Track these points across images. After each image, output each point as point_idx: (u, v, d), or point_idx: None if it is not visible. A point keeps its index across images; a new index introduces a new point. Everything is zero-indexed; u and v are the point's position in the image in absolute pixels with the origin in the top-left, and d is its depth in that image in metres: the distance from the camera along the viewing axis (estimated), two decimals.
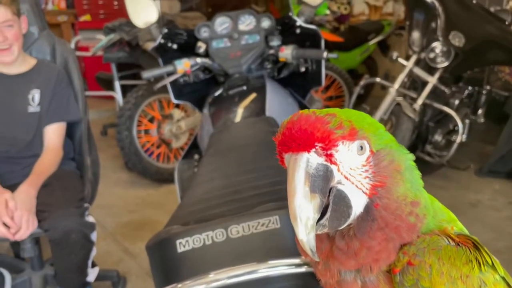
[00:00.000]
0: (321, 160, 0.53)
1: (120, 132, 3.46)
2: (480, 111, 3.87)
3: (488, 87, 3.87)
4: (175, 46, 2.18)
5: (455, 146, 3.27)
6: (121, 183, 3.69)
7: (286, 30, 2.18)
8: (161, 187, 3.58)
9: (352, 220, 0.56)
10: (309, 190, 0.52)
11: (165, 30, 2.10)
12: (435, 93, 3.35)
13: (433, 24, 3.21)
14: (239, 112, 1.82)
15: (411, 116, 3.08)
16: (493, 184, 3.50)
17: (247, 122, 1.73)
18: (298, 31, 2.10)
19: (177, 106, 3.65)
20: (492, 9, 3.73)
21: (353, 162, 0.55)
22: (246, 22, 2.16)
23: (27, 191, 1.78)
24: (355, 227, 0.56)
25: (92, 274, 1.96)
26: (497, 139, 3.60)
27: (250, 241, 0.94)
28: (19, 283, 2.19)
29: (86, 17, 5.94)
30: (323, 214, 0.54)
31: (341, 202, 0.54)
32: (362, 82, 3.68)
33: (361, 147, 0.55)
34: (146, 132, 3.66)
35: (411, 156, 0.60)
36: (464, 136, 3.39)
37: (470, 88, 3.74)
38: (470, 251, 0.57)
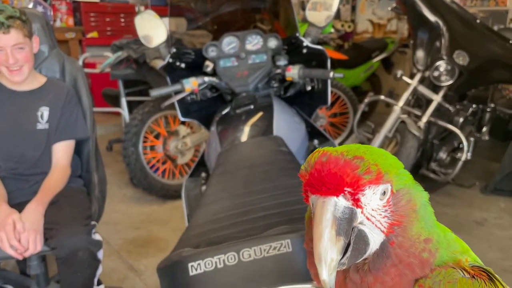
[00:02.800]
0: (348, 204, 0.55)
1: (126, 148, 3.48)
2: (484, 129, 3.88)
3: (492, 105, 3.89)
4: (183, 65, 2.21)
5: (460, 163, 3.27)
6: (126, 200, 3.70)
7: (292, 50, 2.21)
8: (166, 204, 3.58)
9: (368, 256, 0.57)
10: (335, 234, 0.53)
11: (174, 50, 2.13)
12: (439, 111, 3.36)
13: (437, 43, 3.24)
14: (247, 131, 1.83)
15: (416, 134, 3.10)
16: (499, 202, 3.49)
17: (255, 141, 1.74)
18: (304, 51, 2.13)
19: (183, 122, 3.67)
20: (495, 28, 3.76)
21: (376, 204, 0.56)
22: (253, 42, 2.19)
23: (35, 210, 1.79)
24: (370, 263, 0.57)
25: None
26: (502, 157, 3.60)
27: (262, 264, 0.94)
28: None
29: (93, 34, 6.01)
30: (345, 253, 0.56)
31: (361, 241, 0.56)
32: (366, 100, 3.70)
33: (384, 191, 0.56)
34: (152, 148, 3.68)
35: (426, 194, 0.61)
36: (469, 154, 3.39)
37: (474, 106, 3.75)
38: (485, 283, 0.57)
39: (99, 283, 2.03)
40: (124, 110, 4.25)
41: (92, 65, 5.11)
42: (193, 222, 1.25)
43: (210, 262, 0.94)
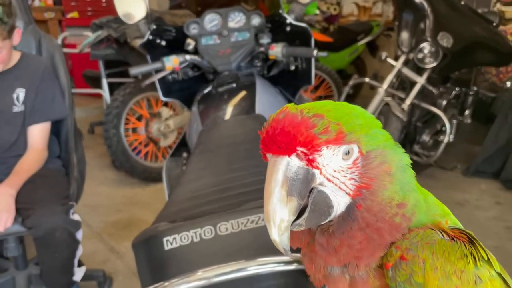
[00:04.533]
0: (302, 164, 0.52)
1: (107, 130, 3.42)
2: (467, 112, 3.91)
3: (475, 88, 3.91)
4: (163, 43, 2.15)
5: (442, 146, 3.30)
6: (108, 182, 3.65)
7: (276, 28, 2.16)
8: (148, 186, 3.55)
9: (333, 218, 0.55)
10: (286, 194, 0.51)
11: (154, 26, 2.07)
12: (423, 94, 3.37)
13: (422, 25, 3.23)
14: (229, 110, 1.80)
15: (399, 116, 3.10)
16: (480, 184, 3.53)
17: (237, 119, 1.71)
18: (288, 29, 2.09)
19: (166, 104, 3.62)
20: (480, 11, 3.76)
21: (338, 165, 0.54)
22: (236, 19, 2.14)
23: (4, 192, 1.75)
24: (334, 225, 0.55)
25: (78, 274, 1.93)
26: (484, 140, 3.63)
27: (239, 238, 0.92)
28: (3, 282, 2.14)
29: (73, 14, 5.86)
30: (301, 213, 0.53)
31: (322, 202, 0.54)
32: (351, 82, 3.70)
33: (348, 152, 0.53)
34: (134, 130, 3.62)
35: (405, 156, 0.58)
36: (452, 136, 3.42)
37: (457, 89, 3.77)
38: (465, 246, 0.56)
39: (80, 264, 2.00)
40: (105, 91, 4.17)
41: (72, 46, 4.99)
42: (172, 199, 1.22)
43: (186, 236, 0.92)
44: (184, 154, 2.01)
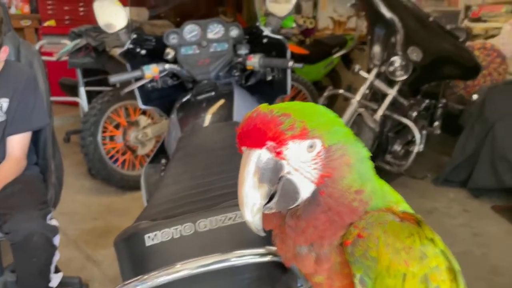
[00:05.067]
0: (272, 155, 0.60)
1: (84, 138, 3.42)
2: (436, 123, 4.06)
3: (444, 101, 4.07)
4: (143, 52, 2.20)
5: (412, 155, 3.42)
6: (85, 190, 3.63)
7: (253, 40, 2.24)
8: (125, 195, 3.55)
9: (300, 203, 0.63)
10: (257, 181, 0.59)
11: (134, 36, 2.12)
12: (394, 105, 3.50)
13: (393, 39, 3.37)
14: (207, 117, 1.86)
15: (371, 127, 3.21)
16: (449, 193, 3.67)
17: (215, 126, 1.77)
18: (265, 40, 2.17)
19: (144, 113, 3.64)
20: (448, 27, 3.95)
21: (303, 157, 0.62)
22: (215, 30, 2.21)
23: None
24: (301, 209, 0.63)
25: (55, 280, 1.93)
26: (452, 150, 3.78)
27: (217, 234, 0.98)
28: None
29: (50, 22, 5.83)
30: (272, 198, 0.62)
31: (289, 189, 0.62)
32: (326, 93, 3.80)
33: (312, 145, 0.62)
34: (111, 138, 3.62)
35: (364, 150, 0.67)
36: (421, 147, 3.55)
37: (427, 101, 3.92)
38: (413, 226, 0.64)
39: (57, 270, 2.00)
40: (82, 99, 4.16)
41: (49, 54, 4.96)
42: (151, 202, 1.26)
43: (167, 233, 0.97)
44: (163, 161, 2.05)
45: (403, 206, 0.70)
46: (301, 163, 0.62)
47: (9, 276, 2.08)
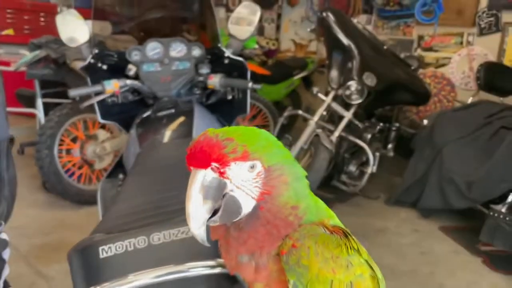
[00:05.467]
0: (216, 175, 0.67)
1: (40, 150, 3.34)
2: (390, 146, 4.24)
3: (397, 125, 4.27)
4: (105, 67, 2.21)
5: (366, 176, 3.56)
6: (38, 204, 3.53)
7: (215, 60, 2.31)
8: (81, 209, 3.48)
9: (242, 216, 0.70)
10: (202, 197, 0.66)
11: (96, 51, 2.14)
12: (350, 127, 3.64)
13: (350, 64, 3.52)
14: (167, 134, 1.89)
15: (328, 147, 3.32)
16: (400, 213, 3.82)
17: (174, 143, 1.80)
18: (226, 61, 2.24)
19: (103, 126, 3.61)
20: (402, 55, 4.17)
21: (245, 176, 0.69)
22: (178, 49, 2.26)
23: None
24: (243, 222, 0.70)
25: None
26: (405, 172, 3.95)
27: (170, 247, 1.01)
28: None
29: (8, 31, 5.69)
30: (216, 212, 0.68)
31: (232, 204, 0.69)
32: (285, 114, 3.91)
33: (252, 166, 0.69)
34: (68, 152, 3.56)
35: (301, 170, 0.74)
36: (374, 168, 3.69)
37: (381, 124, 4.10)
38: (341, 238, 0.71)
39: (6, 286, 1.94)
40: (39, 111, 4.07)
41: (6, 63, 4.83)
42: (107, 216, 1.28)
43: (121, 246, 0.99)
44: (120, 176, 2.05)
45: (334, 220, 0.77)
46: (243, 182, 0.68)
47: None
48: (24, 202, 3.46)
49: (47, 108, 4.06)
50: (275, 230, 0.70)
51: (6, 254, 1.82)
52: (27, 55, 3.80)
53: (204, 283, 0.97)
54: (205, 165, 0.66)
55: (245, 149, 0.67)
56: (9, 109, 4.62)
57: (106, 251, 0.99)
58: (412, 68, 3.89)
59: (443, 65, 4.93)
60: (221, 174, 0.67)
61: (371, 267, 0.72)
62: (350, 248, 0.70)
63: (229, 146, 0.66)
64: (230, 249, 0.72)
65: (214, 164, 0.66)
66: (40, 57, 3.65)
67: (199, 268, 0.93)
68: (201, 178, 0.66)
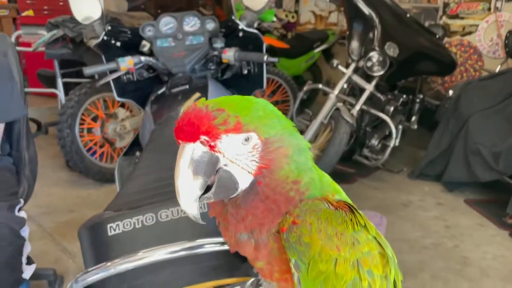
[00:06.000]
0: (206, 149, 0.62)
1: (62, 130, 3.39)
2: (413, 118, 4.13)
3: (421, 96, 4.14)
4: (118, 44, 2.19)
5: (389, 150, 3.48)
6: (61, 183, 3.60)
7: (230, 33, 2.25)
8: (103, 187, 3.53)
9: (239, 192, 0.66)
10: (192, 173, 0.62)
11: (109, 27, 2.11)
12: (372, 100, 3.55)
13: (371, 35, 3.41)
14: (181, 110, 1.86)
15: (349, 121, 3.25)
16: (424, 186, 3.74)
17: None
18: (240, 34, 2.18)
19: (122, 105, 3.62)
20: (426, 23, 4.01)
21: (239, 149, 0.64)
22: (191, 23, 2.21)
23: None
24: (240, 198, 0.66)
25: (28, 271, 1.91)
26: (428, 145, 3.86)
27: (178, 224, 1.00)
28: None
29: (28, 12, 5.73)
30: (210, 188, 0.64)
31: (227, 179, 0.64)
32: (305, 88, 3.83)
33: (247, 138, 0.64)
34: (89, 131, 3.60)
35: (303, 142, 0.69)
36: (397, 141, 3.61)
37: (404, 96, 3.98)
38: (346, 214, 0.66)
39: (30, 262, 1.99)
40: (60, 91, 4.11)
41: (27, 45, 4.88)
42: (120, 193, 1.27)
43: (129, 223, 0.98)
44: (137, 153, 2.05)
45: (340, 195, 0.72)
46: (238, 156, 0.64)
47: None
48: (48, 180, 3.54)
49: (68, 88, 4.10)
50: (275, 206, 0.66)
51: (25, 232, 1.86)
52: (45, 35, 3.81)
53: (213, 260, 0.96)
54: (193, 138, 0.61)
55: (238, 120, 0.62)
56: (31, 89, 4.71)
57: (114, 228, 0.98)
58: (437, 36, 3.73)
59: (469, 32, 4.72)
60: (212, 147, 0.62)
61: (380, 244, 0.68)
62: (357, 224, 0.66)
63: (220, 117, 0.61)
64: (229, 226, 0.68)
65: (203, 137, 0.61)
66: (57, 36, 3.65)
67: (209, 245, 0.91)
68: (190, 152, 0.61)
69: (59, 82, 4.12)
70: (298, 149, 0.67)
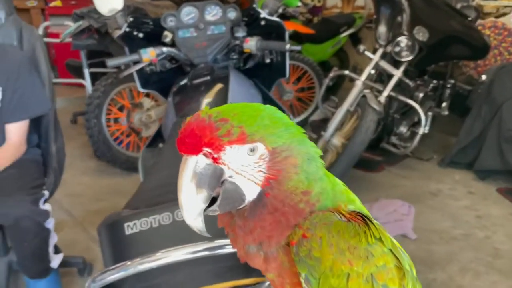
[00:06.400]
0: (209, 161, 0.60)
1: (89, 120, 3.45)
2: (444, 104, 4.00)
3: (452, 81, 4.00)
4: (141, 35, 2.19)
5: (418, 137, 3.38)
6: (90, 172, 3.68)
7: (251, 22, 2.22)
8: (130, 176, 3.59)
9: (247, 204, 0.63)
10: (195, 186, 0.59)
11: (131, 19, 2.11)
12: (400, 86, 3.45)
13: (399, 19, 3.29)
14: (202, 101, 1.85)
15: (376, 108, 3.16)
16: (454, 175, 3.64)
17: None
18: (262, 23, 2.14)
19: (147, 95, 3.65)
20: (458, 5, 3.84)
21: (245, 160, 0.61)
22: (212, 12, 2.19)
23: None
24: (247, 210, 0.63)
25: (55, 260, 1.97)
26: (460, 131, 3.74)
27: None
28: None
29: (56, 3, 5.82)
30: (216, 201, 0.62)
31: (233, 191, 0.62)
32: (331, 74, 3.75)
33: (253, 149, 0.61)
34: (116, 120, 3.65)
35: (314, 150, 0.65)
36: (427, 128, 3.51)
37: (435, 81, 3.85)
38: (360, 226, 0.63)
39: (58, 251, 2.04)
40: (87, 81, 4.18)
41: (56, 35, 4.97)
42: (140, 188, 1.28)
43: (146, 222, 0.98)
44: (160, 145, 2.06)
45: (355, 205, 0.68)
46: (243, 167, 0.62)
47: (14, 256, 2.13)
48: (78, 170, 3.62)
49: (96, 78, 4.15)
50: (284, 218, 0.63)
51: (49, 224, 1.89)
52: (71, 26, 3.86)
53: (229, 261, 0.95)
54: (196, 150, 0.59)
55: (242, 130, 0.59)
56: (60, 80, 4.79)
57: (132, 227, 0.98)
58: (469, 19, 3.57)
59: (504, 14, 4.52)
60: (215, 160, 0.60)
61: (396, 257, 0.64)
62: (371, 237, 0.62)
63: (223, 128, 0.59)
64: (237, 237, 0.66)
65: (206, 149, 0.59)
66: (83, 27, 3.69)
67: (229, 246, 0.90)
68: (192, 165, 0.59)
69: (86, 72, 4.18)
70: (308, 158, 0.64)
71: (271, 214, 0.62)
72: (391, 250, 0.64)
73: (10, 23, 2.12)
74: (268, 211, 0.62)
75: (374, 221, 0.65)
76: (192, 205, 0.60)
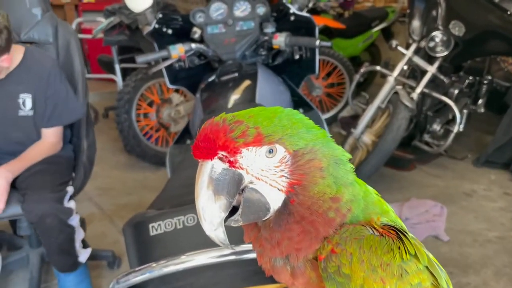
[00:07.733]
0: (226, 165, 0.56)
1: (119, 115, 3.50)
2: (480, 101, 3.86)
3: (489, 77, 3.85)
4: (170, 31, 2.19)
5: (452, 135, 3.28)
6: (120, 166, 3.74)
7: (281, 18, 2.18)
8: (159, 171, 3.62)
9: (272, 213, 0.59)
10: (213, 193, 0.56)
11: (160, 15, 2.11)
12: (434, 83, 3.34)
13: (434, 13, 3.19)
14: (230, 99, 1.84)
15: (408, 105, 3.08)
16: (490, 174, 3.51)
17: (236, 108, 1.74)
18: (292, 18, 2.11)
19: (177, 90, 3.67)
20: None
21: (264, 164, 0.58)
22: (241, 8, 2.17)
23: (1, 174, 1.80)
24: (273, 220, 0.59)
25: (83, 255, 2.00)
26: (496, 130, 3.59)
27: None
28: (17, 259, 2.26)
29: None
30: (237, 210, 0.58)
31: (255, 199, 0.57)
32: (362, 70, 3.68)
33: (271, 151, 0.57)
34: (145, 115, 3.69)
35: (341, 153, 0.61)
36: (462, 126, 3.39)
37: (471, 78, 3.72)
38: (393, 241, 0.59)
39: (86, 246, 2.07)
40: (117, 77, 4.24)
41: (88, 31, 5.07)
42: (167, 186, 1.27)
43: (170, 223, 0.97)
44: (188, 141, 2.06)
45: (388, 217, 0.64)
46: (263, 171, 0.58)
47: None
48: (108, 163, 3.68)
49: (127, 73, 4.21)
50: (312, 227, 0.58)
51: (73, 221, 1.91)
52: (103, 22, 3.92)
53: (256, 264, 0.92)
54: (210, 154, 0.56)
55: (258, 131, 0.56)
56: (92, 75, 4.89)
57: (156, 228, 0.98)
58: (509, 13, 3.42)
59: None
60: (232, 164, 0.56)
61: (432, 274, 0.59)
62: (406, 253, 0.58)
63: (237, 129, 0.55)
64: (264, 251, 0.62)
65: (221, 153, 0.56)
66: (114, 23, 3.74)
67: (251, 252, 0.87)
68: (209, 170, 0.56)
69: (117, 67, 4.24)
70: (334, 161, 0.60)
71: (298, 224, 0.58)
72: (427, 267, 0.59)
73: (46, 20, 2.15)
74: (295, 220, 0.58)
75: (410, 235, 0.61)
76: (210, 214, 0.56)
